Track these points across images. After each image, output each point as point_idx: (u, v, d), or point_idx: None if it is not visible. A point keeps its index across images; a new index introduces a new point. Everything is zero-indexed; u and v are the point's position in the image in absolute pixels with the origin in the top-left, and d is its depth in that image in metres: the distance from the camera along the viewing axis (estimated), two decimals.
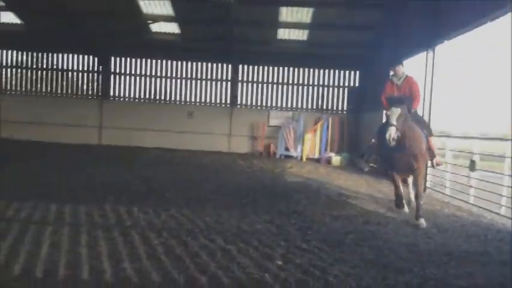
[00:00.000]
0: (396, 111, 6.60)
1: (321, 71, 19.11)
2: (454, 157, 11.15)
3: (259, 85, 19.17)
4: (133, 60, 18.99)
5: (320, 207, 7.85)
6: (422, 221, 6.84)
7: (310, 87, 19.20)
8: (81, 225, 5.81)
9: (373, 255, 5.11)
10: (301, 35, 17.20)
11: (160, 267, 4.42)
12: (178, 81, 19.02)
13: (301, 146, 16.97)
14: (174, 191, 8.58)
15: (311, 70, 19.09)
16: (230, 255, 4.89)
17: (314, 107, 19.20)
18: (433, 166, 7.90)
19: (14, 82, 19.05)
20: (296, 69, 19.13)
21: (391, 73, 7.73)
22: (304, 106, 19.24)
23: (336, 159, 16.41)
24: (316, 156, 16.94)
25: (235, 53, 18.06)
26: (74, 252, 4.72)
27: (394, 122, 6.54)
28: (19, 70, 19.06)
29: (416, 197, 7.08)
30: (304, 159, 16.68)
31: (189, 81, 19.01)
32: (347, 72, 19.07)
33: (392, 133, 6.46)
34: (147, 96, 18.98)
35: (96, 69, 18.84)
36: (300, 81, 19.23)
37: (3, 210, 6.34)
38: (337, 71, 19.05)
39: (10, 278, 3.99)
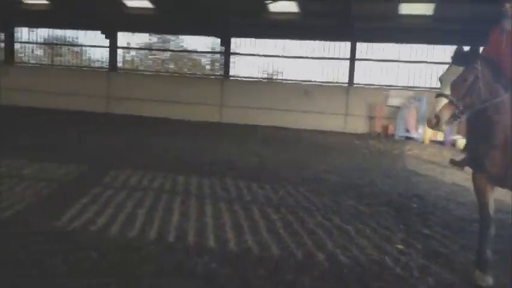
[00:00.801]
0: (455, 71, 3.88)
1: (447, 48, 17.74)
2: None
3: (379, 63, 18.45)
4: (252, 40, 19.46)
5: (443, 192, 7.42)
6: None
7: (435, 66, 17.97)
8: (206, 197, 6.22)
9: (502, 245, 4.73)
10: (426, 9, 16.09)
11: (279, 241, 4.58)
12: (295, 60, 19.09)
13: (423, 128, 16.07)
14: (290, 168, 8.72)
15: (436, 47, 17.82)
16: (348, 235, 4.89)
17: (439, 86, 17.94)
18: None
19: (143, 63, 20.76)
20: (419, 46, 18.02)
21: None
22: (428, 85, 18.10)
23: (462, 142, 15.28)
24: (440, 138, 15.93)
25: (354, 30, 17.54)
26: (200, 222, 5.10)
27: (447, 91, 3.81)
28: (148, 51, 20.74)
29: None
30: (426, 141, 15.80)
31: (306, 60, 18.99)
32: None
33: (437, 108, 3.73)
34: (265, 76, 19.40)
35: (218, 49, 19.68)
36: (423, 59, 18.09)
37: (140, 180, 7.04)
38: (465, 48, 17.51)
39: (147, 241, 4.46)
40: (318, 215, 5.58)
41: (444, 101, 3.78)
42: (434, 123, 3.75)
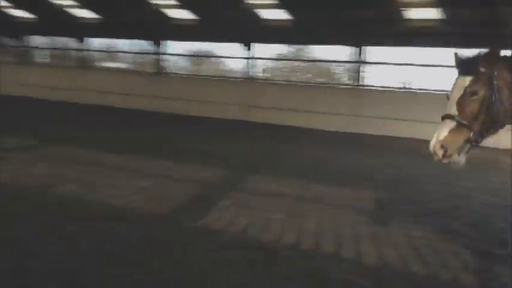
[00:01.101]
0: (462, 84, 3.07)
1: None
2: None
3: None
4: (386, 48, 18.84)
5: None
6: None
7: None
8: (342, 207, 6.17)
9: None
10: None
11: (421, 260, 4.36)
12: (436, 69, 17.99)
13: None
14: (431, 183, 8.15)
15: None
16: (500, 260, 4.45)
17: None
18: None
19: (277, 72, 21.42)
20: None
21: None
22: None
23: None
24: None
25: (499, 37, 15.96)
26: (336, 231, 5.08)
27: (452, 110, 3.02)
28: (282, 62, 21.40)
29: None
30: None
31: (445, 69, 17.79)
32: None
33: (441, 134, 3.02)
34: (401, 85, 18.63)
35: (351, 58, 19.45)
36: None
37: (276, 186, 7.21)
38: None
39: (283, 245, 4.57)
40: (465, 237, 5.16)
41: (451, 124, 2.98)
42: (441, 154, 2.95)
